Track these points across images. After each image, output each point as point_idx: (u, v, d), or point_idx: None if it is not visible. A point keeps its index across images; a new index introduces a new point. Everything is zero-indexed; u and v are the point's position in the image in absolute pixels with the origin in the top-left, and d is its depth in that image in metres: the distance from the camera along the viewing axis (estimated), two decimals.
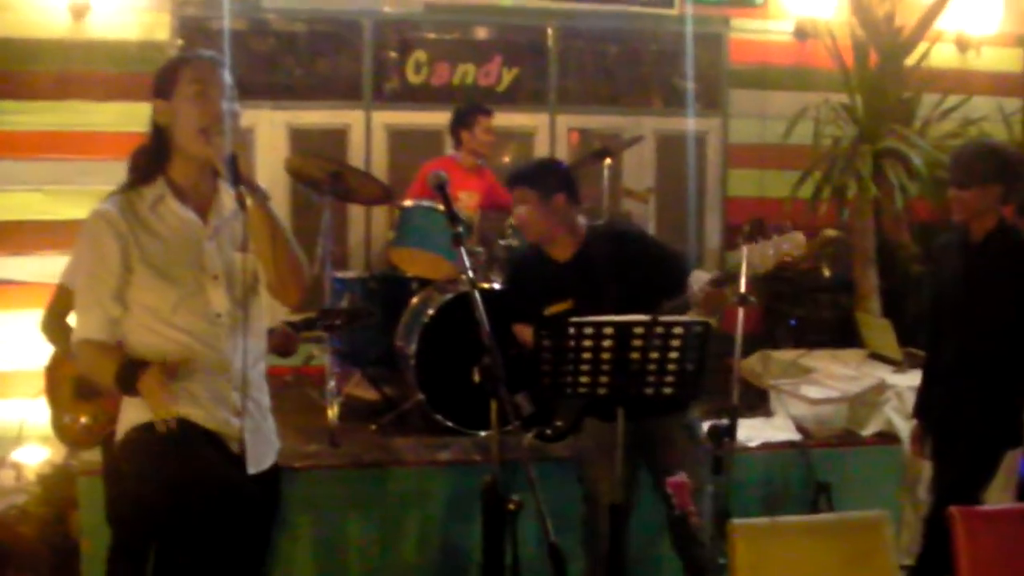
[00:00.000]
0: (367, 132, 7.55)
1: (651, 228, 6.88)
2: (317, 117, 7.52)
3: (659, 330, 3.46)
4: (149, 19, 7.06)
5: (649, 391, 3.58)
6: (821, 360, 6.34)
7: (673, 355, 3.51)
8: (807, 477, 5.40)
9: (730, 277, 3.96)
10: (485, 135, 6.62)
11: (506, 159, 7.81)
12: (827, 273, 7.24)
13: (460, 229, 3.54)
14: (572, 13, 7.68)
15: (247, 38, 7.49)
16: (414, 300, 5.92)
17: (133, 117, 6.84)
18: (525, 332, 4.32)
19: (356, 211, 7.43)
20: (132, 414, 2.96)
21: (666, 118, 7.87)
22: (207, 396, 2.98)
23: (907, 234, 7.05)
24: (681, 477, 3.60)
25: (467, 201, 6.53)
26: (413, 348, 5.57)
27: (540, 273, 4.36)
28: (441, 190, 3.59)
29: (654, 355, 3.50)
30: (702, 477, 3.96)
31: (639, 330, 3.46)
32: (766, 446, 5.52)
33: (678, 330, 3.48)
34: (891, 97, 6.67)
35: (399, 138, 7.64)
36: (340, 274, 6.22)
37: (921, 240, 6.89)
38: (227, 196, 3.07)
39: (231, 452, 3.01)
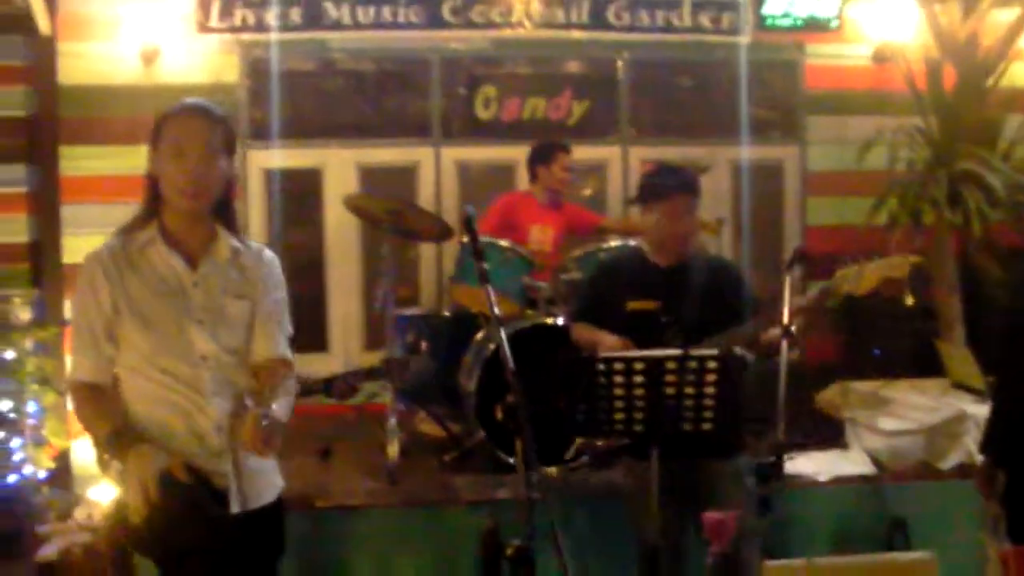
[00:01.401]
0: (436, 169, 7.56)
1: None
2: (386, 155, 7.54)
3: (692, 364, 3.35)
4: (218, 62, 7.19)
5: (687, 427, 3.47)
6: (901, 391, 6.12)
7: (709, 390, 3.41)
8: (881, 513, 5.21)
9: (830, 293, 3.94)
10: (563, 172, 6.55)
11: (588, 192, 7.74)
12: (910, 301, 6.99)
13: (486, 265, 3.45)
14: (642, 44, 7.60)
15: (315, 78, 7.56)
16: (477, 337, 5.86)
17: None
18: (584, 334, 4.33)
19: (428, 249, 7.42)
20: None
21: (742, 147, 7.70)
22: (191, 435, 2.96)
23: (993, 261, 6.77)
24: (720, 515, 3.47)
25: (539, 236, 6.46)
26: (473, 385, 5.51)
27: (637, 271, 4.35)
28: (468, 224, 3.52)
29: (689, 390, 3.40)
30: (747, 523, 3.81)
31: (671, 364, 3.36)
32: (837, 480, 5.34)
33: (712, 364, 3.37)
34: (969, 119, 6.44)
35: (469, 174, 7.63)
36: (407, 312, 6.18)
37: (1009, 267, 6.63)
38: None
39: (215, 489, 2.98)
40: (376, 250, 6.79)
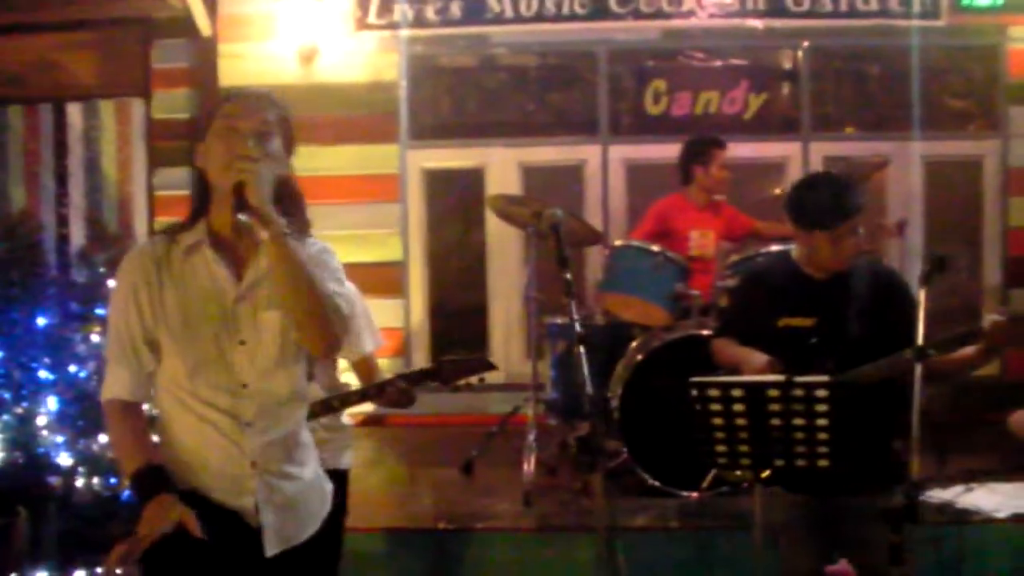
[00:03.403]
0: (604, 168, 7.31)
1: (909, 264, 6.19)
2: (551, 153, 7.33)
3: (798, 392, 2.91)
4: (378, 60, 7.11)
5: (801, 463, 3.04)
6: None
7: (821, 421, 2.96)
8: None
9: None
10: (720, 171, 6.06)
11: (777, 191, 7.25)
12: None
13: (568, 276, 3.11)
14: (824, 31, 7.15)
15: (477, 74, 7.44)
16: (631, 347, 5.50)
17: (361, 160, 6.84)
18: (726, 352, 3.85)
19: (594, 253, 7.08)
20: None
21: (935, 142, 7.13)
22: (222, 470, 2.67)
23: None
24: (841, 567, 3.04)
25: (699, 240, 6.01)
26: (617, 401, 5.19)
27: (789, 284, 3.83)
28: (555, 230, 3.19)
29: (798, 421, 2.96)
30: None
31: (774, 392, 2.93)
32: (1019, 518, 4.77)
33: (821, 393, 2.91)
34: None
35: (638, 173, 7.33)
36: (558, 320, 5.85)
37: None
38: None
39: (248, 527, 2.67)
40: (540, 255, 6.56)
